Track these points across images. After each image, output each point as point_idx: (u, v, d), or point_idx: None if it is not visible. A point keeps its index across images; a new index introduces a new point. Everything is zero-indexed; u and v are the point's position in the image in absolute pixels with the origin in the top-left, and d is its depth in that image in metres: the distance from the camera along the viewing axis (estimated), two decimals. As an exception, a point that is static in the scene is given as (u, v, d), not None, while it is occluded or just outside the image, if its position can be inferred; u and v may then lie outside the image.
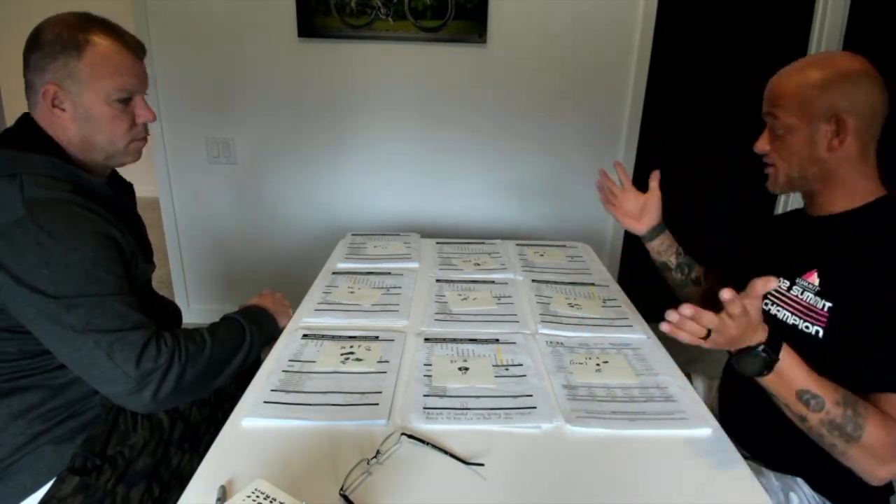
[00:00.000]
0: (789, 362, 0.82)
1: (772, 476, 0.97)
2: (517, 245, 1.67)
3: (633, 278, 2.57)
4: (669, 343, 1.12)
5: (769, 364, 0.81)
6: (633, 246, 2.61)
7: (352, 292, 1.30)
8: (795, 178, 0.97)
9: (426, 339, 1.09)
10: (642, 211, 1.29)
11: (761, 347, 0.81)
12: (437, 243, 1.67)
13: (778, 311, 0.98)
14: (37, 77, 0.90)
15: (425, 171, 2.47)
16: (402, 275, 1.41)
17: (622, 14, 2.26)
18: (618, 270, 2.63)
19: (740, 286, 1.07)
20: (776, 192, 1.02)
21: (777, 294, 0.99)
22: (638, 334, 1.14)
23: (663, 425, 0.85)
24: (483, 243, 1.68)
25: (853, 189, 0.93)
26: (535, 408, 0.88)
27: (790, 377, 0.82)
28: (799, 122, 0.92)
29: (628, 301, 1.31)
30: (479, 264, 1.51)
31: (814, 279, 0.93)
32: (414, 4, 2.20)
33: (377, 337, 1.09)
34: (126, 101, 0.95)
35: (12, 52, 4.30)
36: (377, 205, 2.51)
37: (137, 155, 1.02)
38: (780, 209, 2.61)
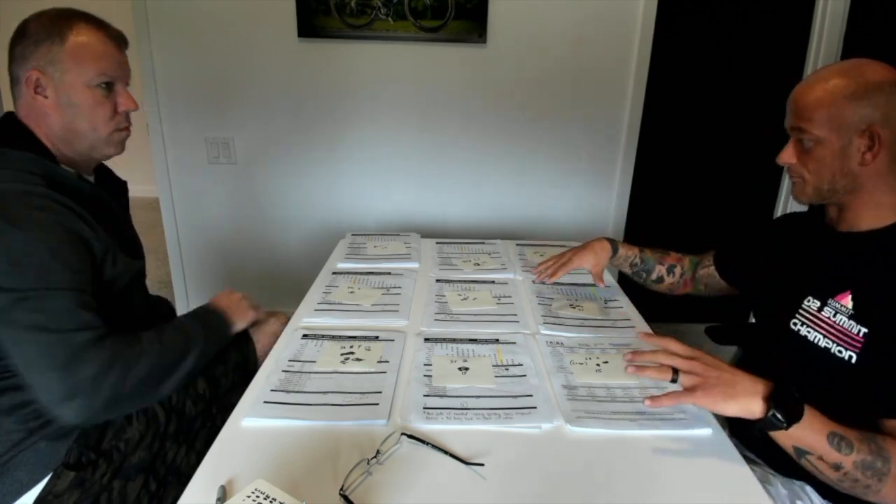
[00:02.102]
0: (813, 413, 0.77)
1: (779, 484, 0.96)
2: (517, 245, 1.68)
3: (633, 278, 2.57)
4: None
5: (799, 409, 0.76)
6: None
7: (352, 292, 1.30)
8: (825, 190, 0.94)
9: (426, 339, 1.09)
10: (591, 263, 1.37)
11: (773, 404, 0.75)
12: (437, 243, 1.67)
13: (808, 332, 0.93)
14: (21, 67, 0.92)
15: (425, 171, 2.47)
16: (402, 275, 1.41)
17: (622, 14, 2.26)
18: (618, 271, 2.63)
19: (760, 296, 1.06)
20: (803, 202, 0.99)
21: (807, 314, 0.94)
22: (638, 334, 1.14)
23: (663, 425, 0.85)
24: (483, 243, 1.68)
25: (882, 203, 0.91)
26: (535, 408, 0.88)
27: (819, 421, 0.77)
28: (830, 135, 0.89)
29: (629, 301, 1.31)
30: (479, 264, 1.51)
31: (847, 302, 0.90)
32: (414, 4, 2.20)
33: (377, 337, 1.09)
34: (108, 88, 0.96)
35: (12, 52, 4.19)
36: (377, 205, 2.51)
37: (121, 147, 1.02)
38: (779, 212, 2.61)
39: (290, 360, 1.00)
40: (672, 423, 0.86)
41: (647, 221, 2.60)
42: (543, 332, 1.14)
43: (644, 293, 1.48)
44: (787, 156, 0.97)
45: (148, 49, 2.23)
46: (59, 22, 0.92)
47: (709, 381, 0.78)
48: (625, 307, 1.28)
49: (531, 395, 0.91)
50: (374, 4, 2.19)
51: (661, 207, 2.61)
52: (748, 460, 1.02)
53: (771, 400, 0.76)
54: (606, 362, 1.03)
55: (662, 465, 0.78)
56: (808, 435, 0.77)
